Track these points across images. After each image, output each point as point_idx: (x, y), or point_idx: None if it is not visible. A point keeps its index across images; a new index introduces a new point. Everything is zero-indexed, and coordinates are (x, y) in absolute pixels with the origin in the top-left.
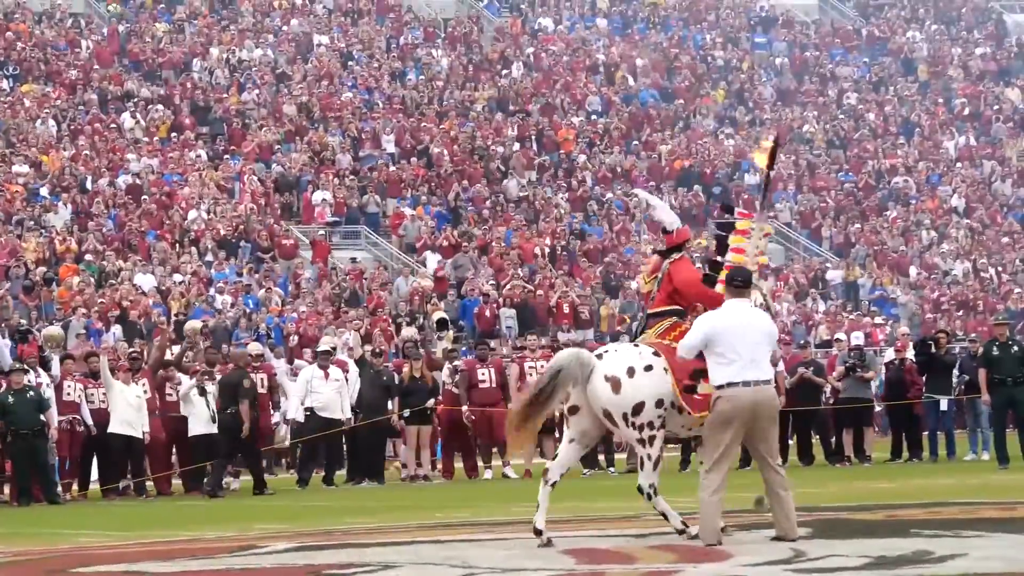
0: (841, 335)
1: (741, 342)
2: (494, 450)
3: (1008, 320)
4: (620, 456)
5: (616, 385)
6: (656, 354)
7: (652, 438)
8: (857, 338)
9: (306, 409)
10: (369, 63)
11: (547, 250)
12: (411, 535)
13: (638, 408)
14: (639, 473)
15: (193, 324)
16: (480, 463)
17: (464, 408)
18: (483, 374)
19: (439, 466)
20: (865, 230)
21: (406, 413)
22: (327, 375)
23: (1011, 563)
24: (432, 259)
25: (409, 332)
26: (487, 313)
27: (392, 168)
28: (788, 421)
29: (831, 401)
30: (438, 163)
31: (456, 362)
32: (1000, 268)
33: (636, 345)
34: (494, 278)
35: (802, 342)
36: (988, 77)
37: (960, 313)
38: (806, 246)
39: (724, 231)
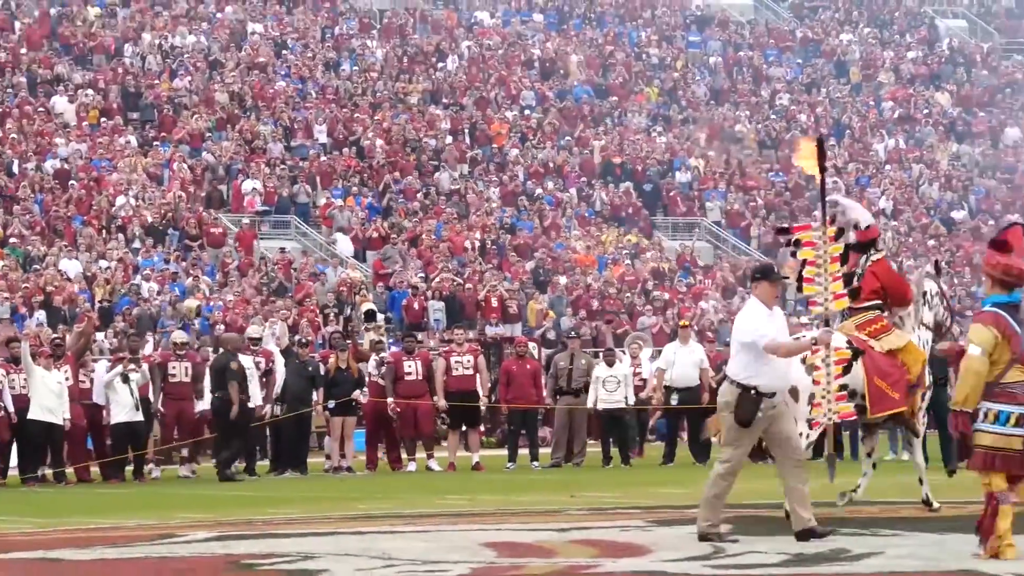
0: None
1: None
2: (418, 442)
3: None
4: (544, 451)
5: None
6: (851, 344)
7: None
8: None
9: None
10: (303, 53)
11: (477, 244)
12: (332, 526)
13: None
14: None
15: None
16: (404, 455)
17: (390, 400)
18: (409, 366)
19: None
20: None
21: (331, 404)
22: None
23: (927, 562)
24: (343, 239)
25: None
26: (415, 305)
27: (324, 158)
28: None
29: None
30: (370, 154)
31: (383, 354)
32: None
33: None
34: (423, 270)
35: (728, 341)
36: (919, 81)
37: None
38: (734, 245)
39: (793, 247)
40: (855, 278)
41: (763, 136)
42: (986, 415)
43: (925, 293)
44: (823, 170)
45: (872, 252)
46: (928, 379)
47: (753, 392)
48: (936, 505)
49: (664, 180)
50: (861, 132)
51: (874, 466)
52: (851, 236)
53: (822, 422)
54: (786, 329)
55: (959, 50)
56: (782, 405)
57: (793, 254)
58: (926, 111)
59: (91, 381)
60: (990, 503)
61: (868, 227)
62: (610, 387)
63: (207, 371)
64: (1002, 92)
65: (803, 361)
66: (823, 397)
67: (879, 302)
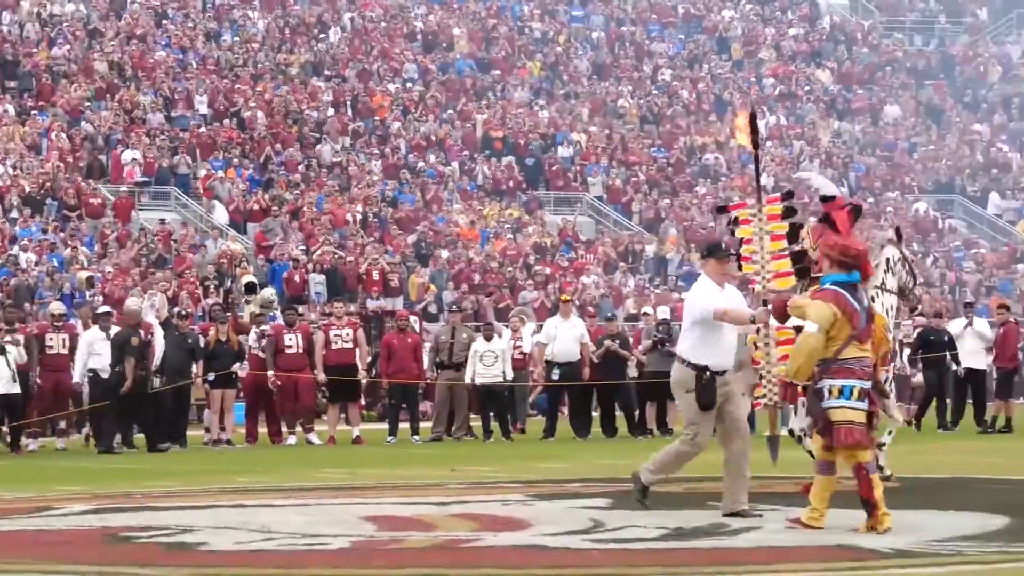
0: (648, 309)
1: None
2: (298, 416)
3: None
4: (425, 425)
5: None
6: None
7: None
8: (664, 312)
9: (89, 371)
10: (184, 23)
11: (359, 217)
12: (211, 499)
13: None
14: (792, 418)
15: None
16: (284, 428)
17: (270, 373)
18: (290, 339)
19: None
20: (675, 206)
21: (210, 377)
22: (109, 337)
23: (804, 537)
24: (220, 209)
25: (247, 278)
26: (296, 278)
27: (204, 129)
28: (592, 394)
29: (636, 375)
30: (251, 126)
31: (263, 327)
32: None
33: None
34: (304, 243)
35: (609, 315)
36: (800, 58)
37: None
38: (616, 220)
39: (732, 225)
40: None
41: (645, 111)
42: (831, 391)
43: (888, 259)
44: (756, 145)
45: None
46: (894, 344)
47: (707, 373)
48: (888, 472)
49: (546, 155)
50: (743, 108)
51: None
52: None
53: (762, 403)
54: (743, 305)
55: (840, 27)
56: (734, 384)
57: (732, 232)
58: (807, 88)
59: None
60: (861, 474)
61: (834, 198)
62: (488, 362)
63: (110, 345)
64: (882, 70)
65: (746, 342)
66: (763, 378)
67: None
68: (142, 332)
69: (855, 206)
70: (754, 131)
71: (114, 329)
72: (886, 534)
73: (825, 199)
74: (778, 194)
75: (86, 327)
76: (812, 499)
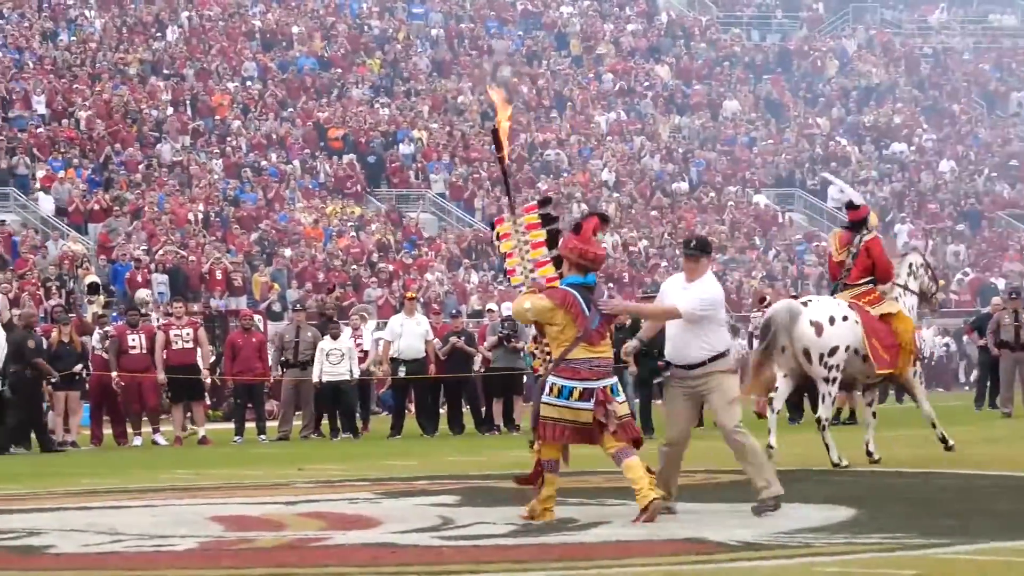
0: (493, 305)
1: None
2: (143, 417)
3: (654, 293)
4: (272, 424)
5: (819, 329)
6: (851, 308)
7: (835, 379)
8: (508, 308)
9: None
10: (20, 22)
11: (200, 216)
12: (57, 501)
13: (833, 351)
14: (820, 407)
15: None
16: (129, 429)
17: (114, 374)
18: (133, 340)
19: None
20: (517, 201)
21: (54, 379)
22: None
23: (652, 531)
24: (46, 200)
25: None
26: (139, 278)
27: (42, 130)
28: (439, 390)
29: (482, 370)
30: (90, 126)
31: (106, 327)
32: (648, 242)
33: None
34: (146, 243)
35: (454, 312)
36: (638, 54)
37: (609, 286)
38: (459, 216)
39: (497, 242)
40: (849, 256)
41: (485, 108)
42: (551, 389)
43: (911, 264)
44: (502, 160)
45: (864, 231)
46: (919, 342)
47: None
48: (951, 443)
49: (388, 152)
50: (583, 104)
51: (874, 415)
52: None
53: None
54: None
55: (678, 23)
56: (718, 376)
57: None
58: (646, 84)
59: None
60: (537, 468)
61: (859, 207)
62: (334, 359)
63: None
64: (720, 65)
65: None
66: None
67: (871, 278)
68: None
69: (601, 215)
70: (498, 146)
71: None
72: (734, 529)
73: (851, 207)
74: (534, 202)
75: None
76: (542, 493)
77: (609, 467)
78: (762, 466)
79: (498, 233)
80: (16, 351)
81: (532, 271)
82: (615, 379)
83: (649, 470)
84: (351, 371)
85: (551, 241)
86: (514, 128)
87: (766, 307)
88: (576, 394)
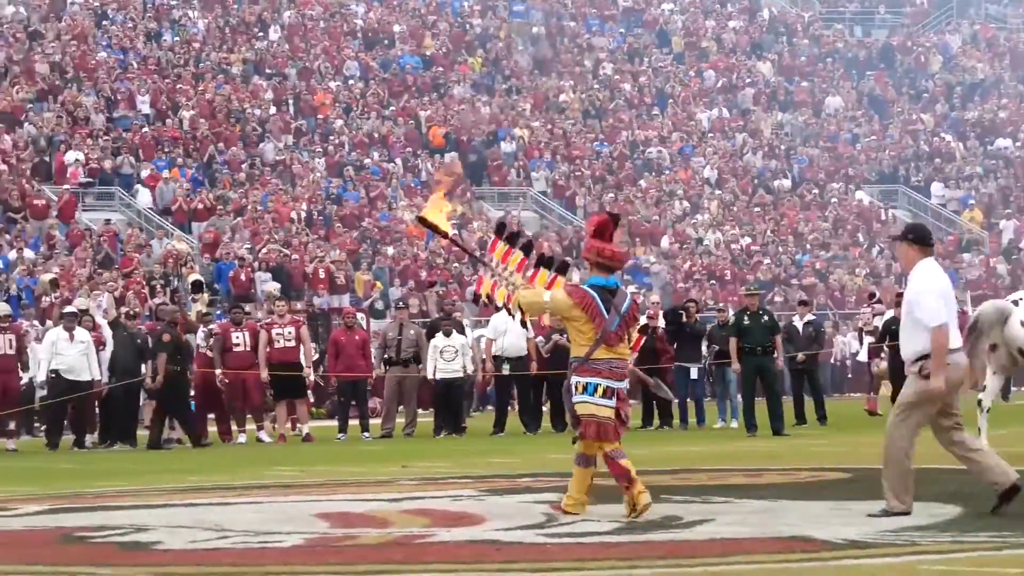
0: None
1: (952, 305)
2: (248, 414)
3: (758, 291)
4: (375, 422)
5: None
6: None
7: None
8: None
9: (51, 371)
10: (124, 23)
11: (303, 214)
12: (164, 498)
13: None
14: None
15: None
16: (234, 427)
17: (218, 372)
18: (237, 338)
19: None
20: (619, 200)
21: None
22: (72, 337)
23: (757, 528)
24: (144, 193)
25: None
26: (242, 277)
27: (147, 129)
28: (542, 388)
29: None
30: (193, 125)
31: (211, 325)
32: (750, 239)
33: None
34: (249, 241)
35: None
36: (740, 50)
37: (711, 283)
38: (560, 215)
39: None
40: None
41: (587, 106)
42: (576, 387)
43: None
44: (445, 235)
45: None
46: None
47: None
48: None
49: (489, 150)
50: (684, 102)
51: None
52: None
53: None
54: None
55: (780, 19)
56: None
57: (496, 308)
58: (748, 80)
59: None
60: (607, 461)
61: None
62: (447, 356)
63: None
64: (823, 61)
65: None
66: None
67: None
68: (84, 331)
69: (612, 215)
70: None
71: (79, 329)
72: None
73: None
74: (493, 237)
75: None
76: (572, 488)
77: (713, 465)
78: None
79: (488, 295)
80: (154, 347)
81: (526, 286)
82: (628, 382)
83: (629, 476)
84: (464, 368)
85: (527, 249)
86: (614, 127)
87: (875, 303)
88: (600, 391)
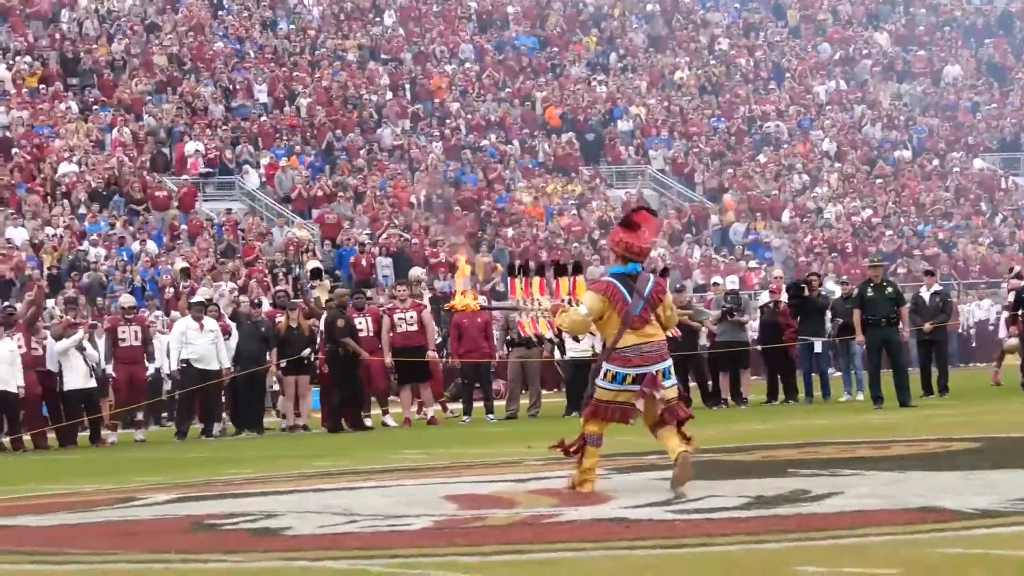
0: (717, 279)
1: None
2: (373, 399)
3: (881, 262)
4: (499, 404)
5: None
6: None
7: None
8: (732, 282)
9: (182, 361)
10: (240, 13)
11: (422, 199)
12: (292, 484)
13: None
14: None
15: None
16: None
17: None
18: (360, 323)
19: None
20: (738, 175)
21: (283, 363)
22: (202, 326)
23: (886, 500)
24: (252, 176)
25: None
26: (363, 262)
27: (265, 118)
28: None
29: (708, 345)
30: (311, 113)
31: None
32: (871, 211)
33: None
34: (369, 227)
35: (679, 287)
36: (857, 22)
37: (832, 256)
38: (679, 191)
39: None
40: None
41: (703, 82)
42: (605, 375)
43: None
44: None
45: None
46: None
47: None
48: None
49: (606, 129)
50: (801, 75)
51: None
52: None
53: None
54: None
55: None
56: None
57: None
58: (865, 52)
59: (43, 348)
60: (580, 440)
61: None
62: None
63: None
64: (940, 29)
65: None
66: None
67: None
68: (212, 320)
69: (649, 209)
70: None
71: (207, 319)
72: (968, 496)
73: None
74: (509, 280)
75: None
76: (584, 464)
77: (842, 437)
78: None
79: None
80: (328, 331)
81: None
82: (668, 362)
83: (685, 437)
84: (594, 347)
85: (540, 272)
86: (731, 102)
87: (1014, 277)
88: (629, 379)
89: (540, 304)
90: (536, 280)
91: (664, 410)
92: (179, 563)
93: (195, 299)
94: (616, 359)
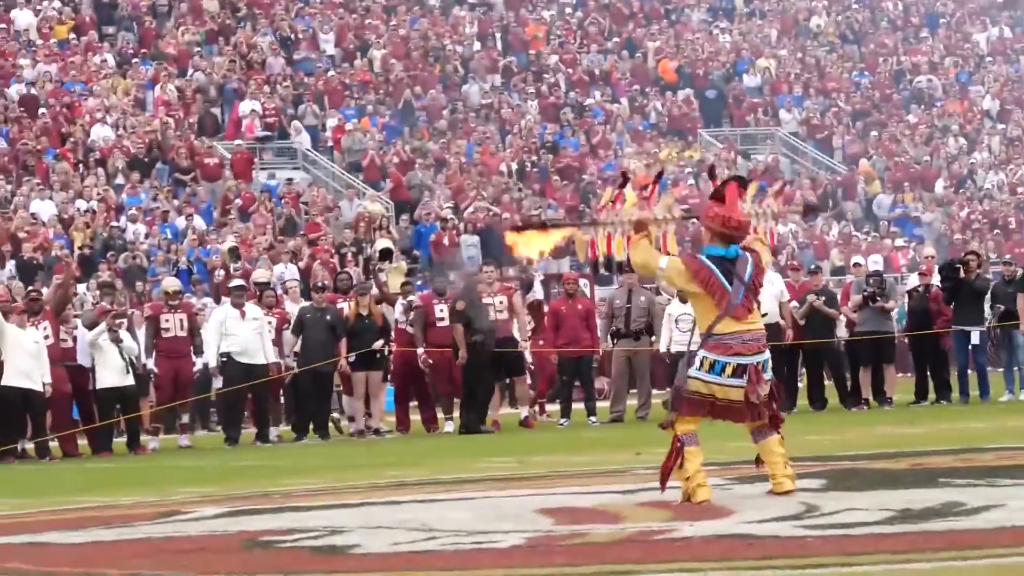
0: (858, 259)
1: None
2: (455, 399)
3: None
4: (603, 405)
5: None
6: None
7: None
8: (876, 263)
9: (222, 355)
10: None
11: (515, 166)
12: (361, 496)
13: None
14: None
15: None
16: (440, 414)
17: (420, 350)
18: (441, 311)
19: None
20: (883, 138)
21: (351, 357)
22: (243, 314)
23: None
24: (305, 136)
25: (382, 243)
26: (445, 241)
27: (332, 73)
28: (798, 359)
29: (846, 335)
30: (386, 67)
31: (410, 297)
32: None
33: None
34: (453, 200)
35: (812, 267)
36: None
37: (994, 232)
38: (815, 158)
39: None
40: None
41: (844, 30)
42: (702, 363)
43: None
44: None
45: None
46: None
47: None
48: None
49: (730, 85)
50: (959, 21)
51: None
52: None
53: None
54: None
55: None
56: None
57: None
58: None
59: (73, 340)
60: (675, 444)
61: None
62: (684, 326)
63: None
64: None
65: None
66: None
67: None
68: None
69: (740, 178)
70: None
71: (249, 305)
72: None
73: None
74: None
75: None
76: (687, 470)
77: (1000, 442)
78: None
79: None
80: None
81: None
82: (767, 354)
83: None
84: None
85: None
86: (876, 53)
87: None
88: (729, 370)
89: (622, 219)
90: (630, 193)
91: (770, 415)
92: None
93: (234, 283)
94: (715, 346)
